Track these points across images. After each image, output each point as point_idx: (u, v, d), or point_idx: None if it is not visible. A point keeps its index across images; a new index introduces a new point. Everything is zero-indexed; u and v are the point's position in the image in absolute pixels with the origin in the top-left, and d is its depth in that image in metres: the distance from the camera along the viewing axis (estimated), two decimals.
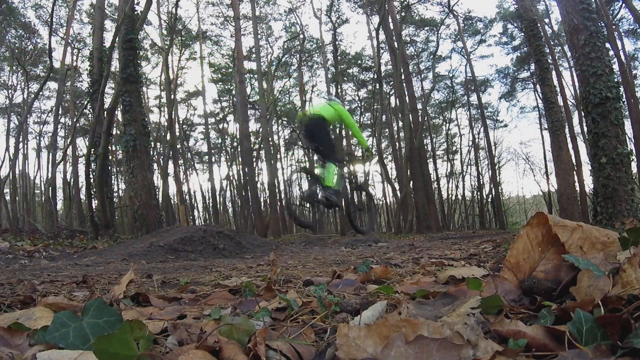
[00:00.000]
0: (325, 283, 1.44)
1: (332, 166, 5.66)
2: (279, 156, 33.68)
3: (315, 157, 6.12)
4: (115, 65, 13.74)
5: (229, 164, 32.70)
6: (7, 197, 21.27)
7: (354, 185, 6.07)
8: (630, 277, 0.78)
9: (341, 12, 27.08)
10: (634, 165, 11.56)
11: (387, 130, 24.79)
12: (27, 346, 0.79)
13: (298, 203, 5.40)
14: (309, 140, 5.92)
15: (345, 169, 6.09)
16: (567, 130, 15.34)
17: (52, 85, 25.44)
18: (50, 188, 19.39)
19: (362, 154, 6.32)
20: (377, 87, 21.26)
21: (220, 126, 33.23)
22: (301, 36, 26.67)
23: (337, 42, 24.93)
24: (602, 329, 0.65)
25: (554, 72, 16.28)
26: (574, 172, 14.65)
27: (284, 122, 33.31)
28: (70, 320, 0.76)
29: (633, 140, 15.74)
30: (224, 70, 28.12)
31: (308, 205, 5.58)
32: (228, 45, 26.73)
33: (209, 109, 31.49)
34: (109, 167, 13.53)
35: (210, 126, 30.93)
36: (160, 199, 17.40)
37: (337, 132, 23.74)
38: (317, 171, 5.79)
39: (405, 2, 22.54)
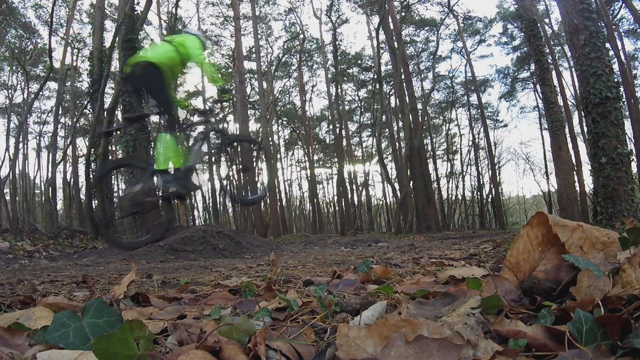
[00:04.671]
0: (325, 283, 1.44)
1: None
2: (279, 156, 33.68)
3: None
4: (115, 65, 13.75)
5: (229, 164, 32.63)
6: (7, 197, 21.27)
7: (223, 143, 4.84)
8: (630, 277, 0.78)
9: (341, 12, 27.09)
10: (634, 165, 11.57)
11: (387, 130, 24.78)
12: (27, 346, 0.79)
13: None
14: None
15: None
16: (567, 130, 15.34)
17: (52, 85, 25.47)
18: (50, 188, 19.40)
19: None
20: (377, 87, 21.26)
21: (220, 126, 33.19)
22: (301, 36, 26.69)
23: (337, 42, 24.94)
24: (602, 329, 0.65)
25: (554, 72, 16.29)
26: (574, 172, 14.65)
27: (284, 122, 33.32)
28: (70, 320, 0.76)
29: (633, 140, 15.75)
30: (224, 70, 28.12)
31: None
32: (228, 45, 26.77)
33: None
34: None
35: (210, 126, 30.87)
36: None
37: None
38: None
39: (405, 2, 22.54)
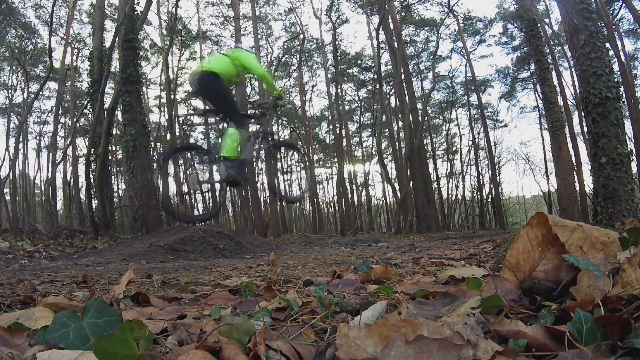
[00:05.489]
0: (325, 283, 1.44)
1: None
2: (279, 156, 33.67)
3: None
4: (115, 65, 13.74)
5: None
6: (7, 197, 21.28)
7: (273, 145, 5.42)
8: (630, 277, 0.78)
9: (341, 12, 27.06)
10: (634, 165, 11.57)
11: (387, 130, 24.77)
12: (27, 346, 0.79)
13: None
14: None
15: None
16: (567, 130, 15.34)
17: (52, 85, 25.46)
18: (50, 188, 19.41)
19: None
20: (377, 87, 21.26)
21: (220, 126, 33.19)
22: (301, 36, 26.68)
23: (337, 42, 24.92)
24: (602, 329, 0.65)
25: (554, 72, 16.28)
26: (574, 172, 14.65)
27: (284, 122, 33.31)
28: (70, 320, 0.76)
29: (633, 140, 15.74)
30: None
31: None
32: (228, 46, 26.73)
33: None
34: (109, 167, 13.53)
35: (210, 126, 30.92)
36: (160, 199, 17.37)
37: None
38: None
39: (405, 2, 22.54)
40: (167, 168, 4.76)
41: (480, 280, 1.06)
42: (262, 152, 5.39)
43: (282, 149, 5.66)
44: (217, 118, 5.00)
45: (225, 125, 4.78)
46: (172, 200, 4.94)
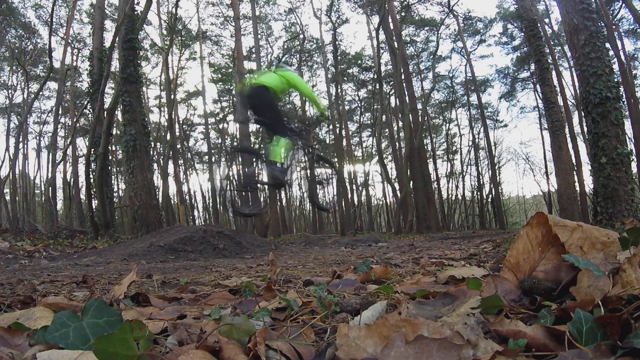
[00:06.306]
0: (325, 283, 1.44)
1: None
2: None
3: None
4: (115, 65, 13.73)
5: (229, 164, 32.67)
6: (7, 197, 21.28)
7: (313, 157, 5.86)
8: (630, 277, 0.78)
9: (341, 12, 27.07)
10: (634, 165, 11.57)
11: (387, 130, 24.78)
12: (27, 346, 0.79)
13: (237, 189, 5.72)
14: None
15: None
16: (567, 130, 15.33)
17: (52, 85, 25.46)
18: (50, 188, 19.42)
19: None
20: (377, 87, 21.26)
21: (220, 126, 33.22)
22: (301, 36, 26.68)
23: (337, 42, 24.94)
24: (602, 329, 0.65)
25: (554, 72, 16.28)
26: (574, 172, 14.64)
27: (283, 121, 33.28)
28: (70, 320, 0.76)
29: (633, 140, 15.75)
30: (224, 70, 28.09)
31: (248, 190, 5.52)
32: (228, 45, 26.74)
33: (209, 109, 31.42)
34: (109, 167, 13.53)
35: (210, 126, 30.92)
36: (160, 199, 17.40)
37: None
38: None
39: (405, 2, 22.54)
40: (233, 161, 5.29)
41: (480, 280, 1.06)
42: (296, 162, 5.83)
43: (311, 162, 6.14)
44: (265, 127, 5.42)
45: (271, 133, 5.21)
46: (226, 192, 5.32)
